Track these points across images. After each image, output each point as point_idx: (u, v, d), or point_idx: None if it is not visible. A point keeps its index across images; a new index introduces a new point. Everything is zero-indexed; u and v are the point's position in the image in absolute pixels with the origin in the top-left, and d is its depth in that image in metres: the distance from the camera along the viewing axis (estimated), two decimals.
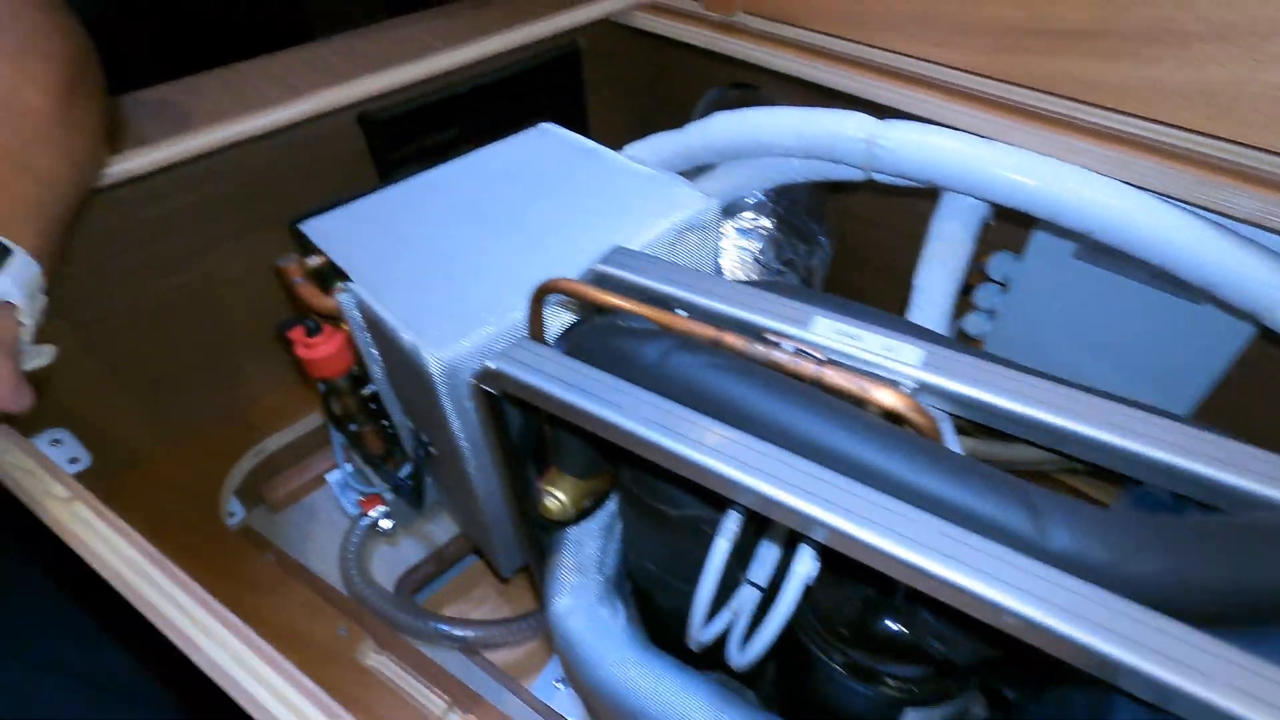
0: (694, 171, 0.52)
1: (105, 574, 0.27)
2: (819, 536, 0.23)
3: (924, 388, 0.26)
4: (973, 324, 0.55)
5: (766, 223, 0.52)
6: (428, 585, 0.52)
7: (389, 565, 0.52)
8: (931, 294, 0.45)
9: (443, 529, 0.54)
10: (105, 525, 0.29)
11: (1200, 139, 0.34)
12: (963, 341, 0.55)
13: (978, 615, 0.20)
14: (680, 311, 0.29)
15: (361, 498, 0.52)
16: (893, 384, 0.26)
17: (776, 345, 0.26)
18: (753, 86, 0.59)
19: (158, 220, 0.44)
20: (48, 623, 0.33)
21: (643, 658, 0.34)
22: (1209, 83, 0.32)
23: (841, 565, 0.23)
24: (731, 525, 0.26)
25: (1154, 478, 0.24)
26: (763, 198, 0.53)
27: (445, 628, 0.45)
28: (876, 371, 0.27)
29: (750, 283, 0.36)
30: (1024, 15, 0.35)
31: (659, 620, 0.38)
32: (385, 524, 0.50)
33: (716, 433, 0.24)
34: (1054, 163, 0.37)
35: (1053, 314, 0.49)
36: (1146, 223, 0.35)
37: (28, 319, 0.27)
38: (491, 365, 0.28)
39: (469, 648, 0.47)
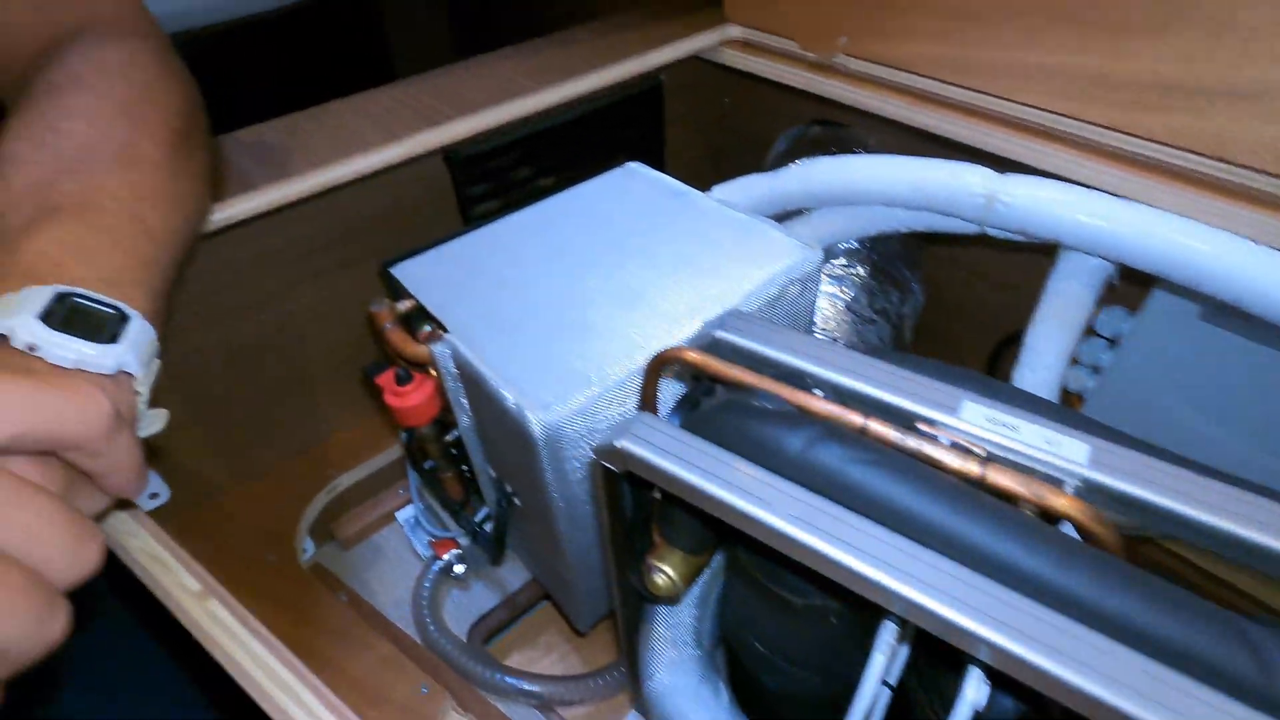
0: (783, 215, 0.50)
1: (189, 626, 0.26)
2: (985, 657, 0.21)
3: (1090, 488, 0.24)
4: (1073, 379, 0.52)
5: (860, 270, 0.50)
6: (501, 631, 0.50)
7: (460, 609, 0.51)
8: (1044, 355, 0.42)
9: (513, 573, 0.53)
10: (184, 571, 0.28)
11: None
12: (1063, 398, 0.53)
13: None
14: (816, 391, 0.27)
15: (433, 539, 0.51)
16: (1058, 483, 0.24)
17: (932, 438, 0.25)
18: (841, 125, 0.57)
19: (246, 261, 0.43)
20: (143, 667, 0.33)
21: None
22: None
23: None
24: (888, 638, 0.24)
25: None
26: (856, 244, 0.51)
27: (524, 685, 0.44)
28: (1040, 469, 0.25)
29: (871, 351, 0.34)
30: (1177, 71, 0.33)
31: (757, 696, 0.36)
32: (459, 568, 0.49)
33: (874, 536, 0.22)
34: (1198, 226, 0.34)
35: (1167, 376, 0.46)
36: None
37: (143, 388, 0.26)
38: (617, 444, 0.27)
39: (545, 705, 0.45)
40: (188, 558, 0.27)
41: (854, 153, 0.56)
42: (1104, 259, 0.39)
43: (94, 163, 0.29)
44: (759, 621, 0.32)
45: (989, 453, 0.25)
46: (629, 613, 0.36)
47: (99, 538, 0.22)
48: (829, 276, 0.50)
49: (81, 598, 0.21)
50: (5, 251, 0.25)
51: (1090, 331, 0.50)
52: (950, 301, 0.58)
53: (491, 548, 0.46)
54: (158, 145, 0.31)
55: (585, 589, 0.42)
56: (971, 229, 0.41)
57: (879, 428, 0.25)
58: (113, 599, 0.44)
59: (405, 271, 0.41)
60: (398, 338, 0.40)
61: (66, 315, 0.24)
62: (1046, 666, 0.19)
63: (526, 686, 0.44)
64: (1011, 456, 0.25)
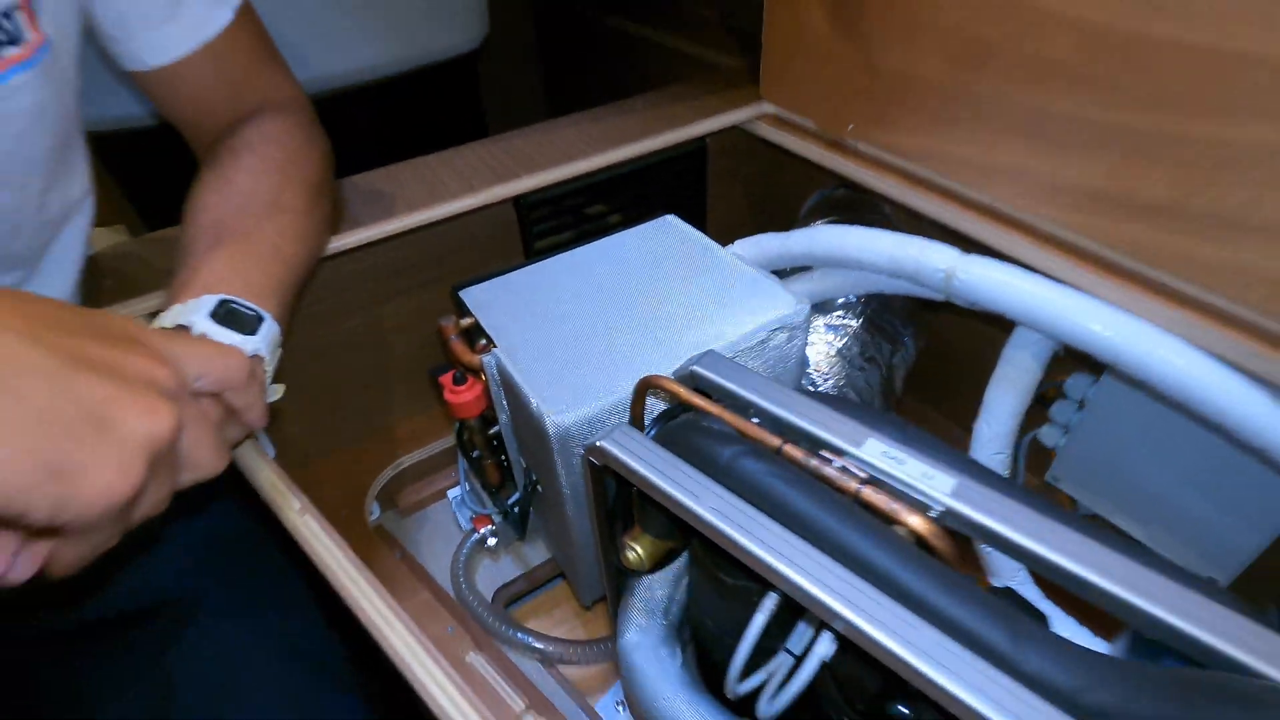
0: (794, 270, 0.58)
1: (290, 530, 0.36)
2: (838, 626, 0.28)
3: (950, 514, 0.31)
4: (1048, 436, 0.57)
5: (853, 322, 0.57)
6: (519, 600, 0.60)
7: (489, 576, 0.61)
8: (998, 413, 0.49)
9: (536, 553, 0.63)
10: (290, 495, 0.38)
11: (1263, 317, 0.37)
12: (1036, 448, 0.58)
13: (957, 713, 0.25)
14: (755, 418, 0.36)
15: (474, 515, 0.61)
16: (924, 507, 0.31)
17: (829, 461, 0.32)
18: (860, 189, 0.65)
19: (348, 278, 0.55)
20: (273, 585, 0.44)
21: (691, 698, 0.40)
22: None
23: (861, 651, 0.29)
24: (769, 604, 0.32)
25: (1143, 627, 0.28)
26: (854, 299, 0.58)
27: (531, 640, 0.53)
28: (912, 494, 0.32)
29: (822, 396, 0.41)
30: (1108, 185, 0.40)
31: (711, 668, 0.44)
32: (491, 541, 0.59)
33: (767, 528, 0.31)
34: (1123, 315, 0.40)
35: (1120, 440, 0.51)
36: (1205, 384, 0.38)
37: (269, 367, 0.38)
38: (600, 444, 0.36)
39: (548, 660, 0.54)
40: (292, 485, 0.38)
41: (871, 216, 0.63)
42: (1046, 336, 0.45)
43: (252, 208, 0.40)
44: (706, 598, 0.40)
45: (870, 476, 0.32)
46: (612, 581, 0.45)
47: (229, 455, 0.33)
48: (826, 325, 0.57)
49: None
50: (191, 269, 0.37)
51: (1061, 394, 0.55)
52: (948, 355, 0.64)
53: (518, 525, 0.56)
54: (297, 195, 0.43)
55: (588, 567, 0.51)
56: (939, 297, 0.48)
57: (791, 449, 0.33)
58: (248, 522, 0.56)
59: (470, 295, 0.52)
60: (459, 347, 0.51)
61: (225, 315, 0.35)
62: (868, 631, 0.27)
63: (533, 642, 0.53)
64: (893, 482, 0.32)
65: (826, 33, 0.53)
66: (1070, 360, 0.50)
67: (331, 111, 0.51)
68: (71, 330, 0.23)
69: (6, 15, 0.31)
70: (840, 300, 0.58)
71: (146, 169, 0.44)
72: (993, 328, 0.51)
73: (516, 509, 0.55)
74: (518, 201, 0.59)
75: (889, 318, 0.59)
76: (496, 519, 0.59)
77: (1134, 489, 0.51)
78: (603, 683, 0.55)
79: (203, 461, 0.29)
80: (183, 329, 0.33)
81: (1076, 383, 0.53)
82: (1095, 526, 0.31)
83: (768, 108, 0.63)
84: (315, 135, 0.47)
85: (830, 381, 0.56)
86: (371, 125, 0.63)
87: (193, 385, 0.30)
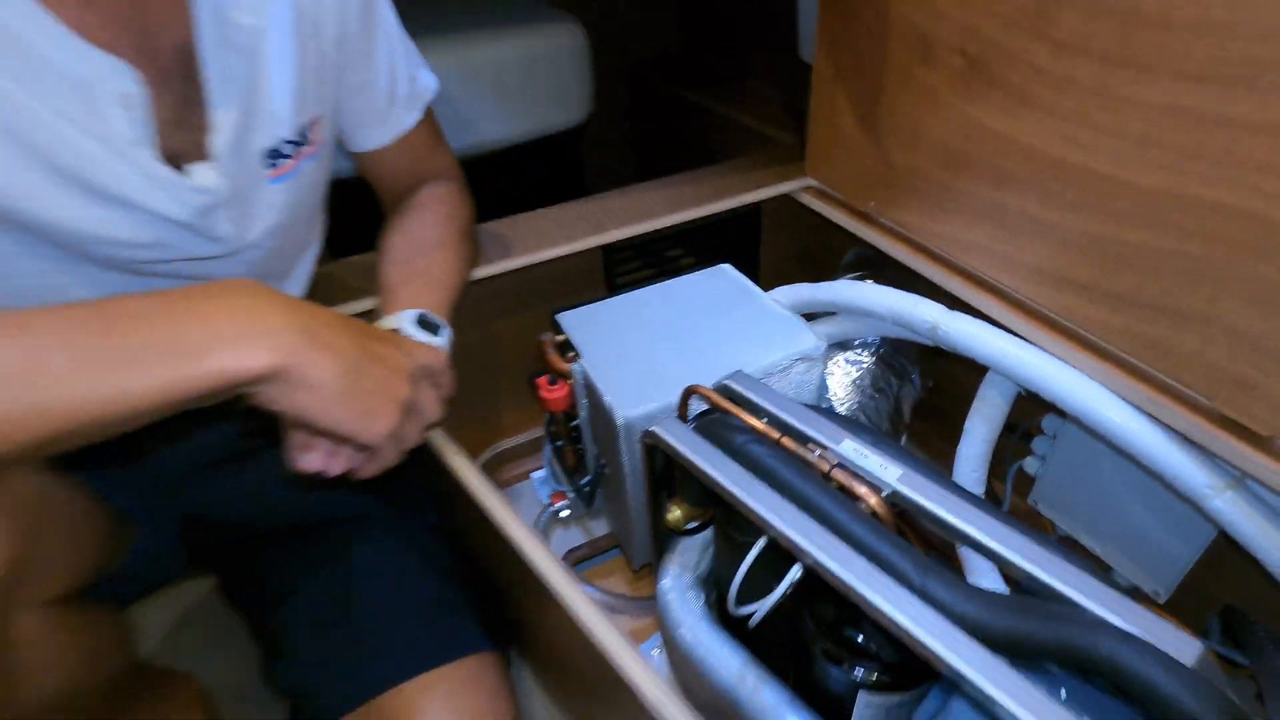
0: (822, 313, 0.72)
1: (453, 473, 0.52)
2: (804, 559, 0.42)
3: (895, 494, 0.44)
4: (1030, 465, 0.68)
5: (868, 359, 0.70)
6: (583, 562, 0.75)
7: (561, 541, 0.76)
8: (973, 439, 0.61)
9: (599, 526, 0.78)
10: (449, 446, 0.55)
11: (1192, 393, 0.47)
12: (1021, 476, 0.69)
13: (876, 619, 0.38)
14: (765, 419, 0.50)
15: (553, 492, 0.77)
16: (878, 488, 0.44)
17: (813, 451, 0.46)
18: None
19: (473, 299, 0.72)
20: (417, 510, 0.60)
21: (708, 628, 0.54)
22: (1212, 366, 0.45)
23: (824, 585, 0.42)
24: (760, 544, 0.46)
25: (1004, 568, 0.40)
26: (870, 340, 0.71)
27: (595, 592, 0.68)
28: (869, 477, 0.45)
29: (828, 411, 0.55)
30: (1049, 266, 0.52)
31: (724, 612, 0.58)
32: (564, 513, 0.74)
33: (762, 492, 0.44)
34: (1068, 369, 0.52)
35: (1082, 469, 0.61)
36: (1128, 429, 0.49)
37: None
38: (654, 430, 0.51)
39: (609, 609, 0.69)
40: (453, 443, 0.55)
41: (892, 274, 0.76)
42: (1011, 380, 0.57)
43: (428, 249, 0.58)
44: (722, 556, 0.54)
45: (840, 462, 0.45)
46: (657, 541, 0.59)
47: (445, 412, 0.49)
48: (845, 359, 0.71)
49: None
50: (394, 291, 0.54)
51: (1040, 431, 0.66)
52: (953, 391, 0.76)
53: (587, 500, 0.71)
54: (457, 241, 0.60)
55: (639, 534, 0.66)
56: (930, 343, 0.61)
57: (786, 441, 0.47)
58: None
59: (564, 318, 0.68)
60: (553, 357, 0.67)
61: (422, 323, 0.52)
62: (823, 561, 0.40)
63: (596, 594, 0.68)
64: (856, 468, 0.45)
65: (856, 132, 0.67)
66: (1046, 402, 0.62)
67: (470, 171, 0.69)
68: (366, 336, 0.40)
69: (308, 128, 0.49)
70: (858, 340, 0.71)
71: (339, 208, 0.62)
72: (979, 374, 0.63)
73: (587, 488, 0.71)
74: (605, 249, 0.75)
75: (899, 358, 0.71)
76: (570, 495, 0.74)
77: (1093, 511, 0.62)
78: (645, 635, 0.69)
79: (431, 415, 0.45)
80: (394, 332, 0.50)
81: (1051, 421, 0.65)
82: (1004, 517, 0.44)
83: (811, 182, 0.77)
84: (466, 196, 0.64)
85: (845, 405, 0.69)
86: (498, 184, 0.81)
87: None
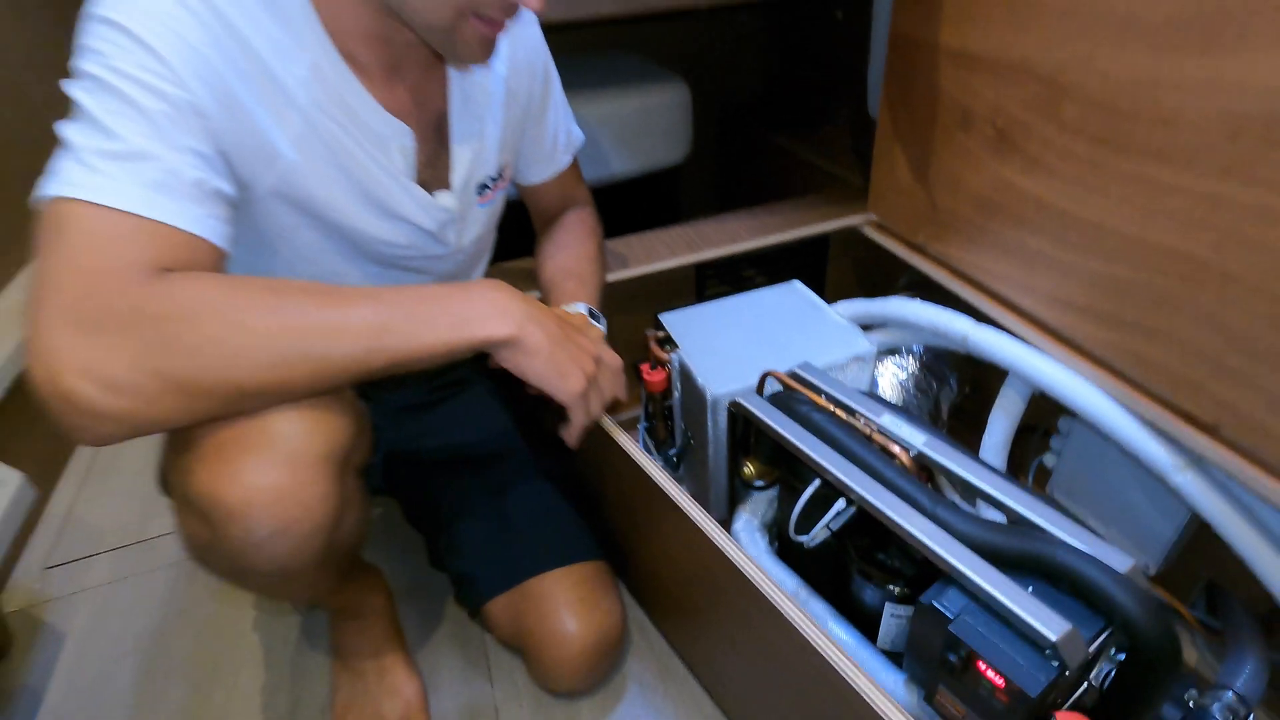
0: (876, 325, 0.87)
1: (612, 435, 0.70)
2: (850, 495, 0.57)
3: (919, 453, 0.60)
4: (1049, 460, 0.81)
5: (913, 363, 0.85)
6: None
7: None
8: (994, 431, 0.75)
9: None
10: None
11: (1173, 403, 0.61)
12: (1041, 469, 0.82)
13: (902, 536, 0.53)
14: (824, 395, 0.66)
15: None
16: (907, 447, 0.60)
17: (859, 419, 0.62)
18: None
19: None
20: (553, 449, 0.78)
21: (770, 557, 0.70)
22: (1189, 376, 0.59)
23: (865, 518, 0.57)
24: (814, 484, 0.61)
25: (994, 504, 0.54)
26: (916, 348, 0.86)
27: None
28: (900, 439, 0.60)
29: (866, 392, 0.70)
30: (1086, 301, 0.65)
31: (783, 549, 0.73)
32: None
33: (818, 446, 0.60)
34: (1067, 372, 0.66)
35: (1088, 463, 0.74)
36: (1112, 419, 0.63)
37: None
38: (739, 400, 0.67)
39: None
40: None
41: (938, 294, 0.91)
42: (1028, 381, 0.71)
43: (580, 258, 0.76)
44: (785, 504, 0.70)
45: (880, 428, 0.61)
46: (731, 494, 0.75)
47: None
48: (894, 362, 0.86)
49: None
50: (560, 290, 0.72)
51: (1057, 430, 0.80)
52: (985, 396, 0.89)
53: (674, 467, 0.88)
54: (597, 251, 0.78)
55: (717, 493, 0.82)
56: (962, 351, 0.75)
57: (839, 412, 0.63)
58: None
59: (665, 318, 0.85)
60: (655, 348, 0.84)
61: (591, 314, 0.70)
62: (863, 494, 0.56)
63: None
64: (890, 433, 0.61)
65: (909, 179, 0.83)
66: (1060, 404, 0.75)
67: (596, 198, 0.88)
68: (566, 322, 0.56)
69: (503, 169, 0.69)
70: (905, 348, 0.86)
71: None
72: (1002, 379, 0.76)
73: (675, 457, 0.88)
74: (698, 265, 0.93)
75: (939, 364, 0.86)
76: (659, 462, 0.91)
77: (1097, 497, 0.75)
78: None
79: (609, 389, 0.62)
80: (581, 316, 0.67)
81: (1065, 422, 0.78)
82: (1000, 473, 0.58)
83: (872, 217, 0.93)
84: (598, 218, 0.83)
85: (893, 398, 0.84)
86: (616, 209, 0.99)
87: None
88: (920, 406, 0.84)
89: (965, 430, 0.96)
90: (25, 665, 0.80)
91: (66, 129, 0.42)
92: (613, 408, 0.64)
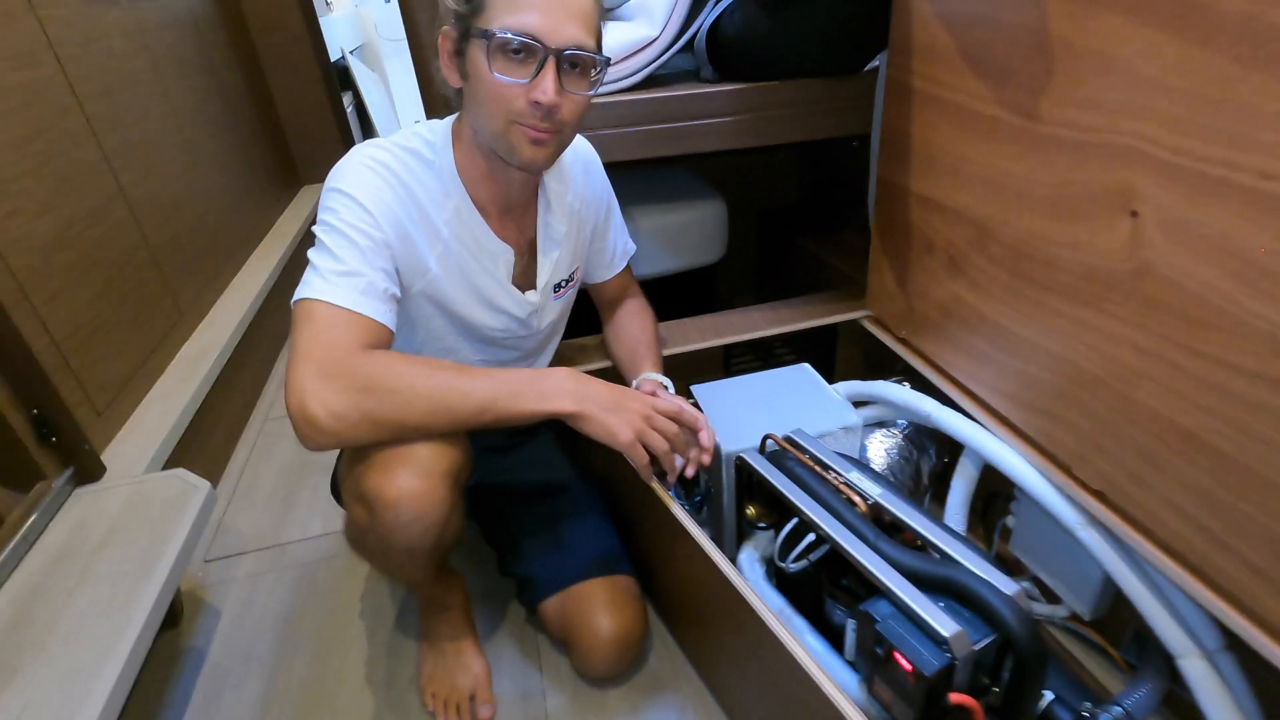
0: (868, 403, 1.06)
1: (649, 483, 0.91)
2: (819, 532, 0.76)
3: (875, 503, 0.78)
4: (1011, 521, 0.97)
5: (899, 434, 1.03)
6: None
7: None
8: (955, 492, 0.92)
9: None
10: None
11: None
12: (1005, 529, 0.98)
13: (859, 568, 0.71)
14: (808, 455, 0.85)
15: None
16: (865, 496, 0.78)
17: (835, 475, 0.81)
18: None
19: None
20: (598, 485, 1.00)
21: (765, 583, 0.88)
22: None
23: (836, 554, 0.76)
24: (792, 521, 0.80)
25: (922, 540, 0.72)
26: (901, 422, 1.04)
27: None
28: (862, 491, 0.79)
29: (842, 454, 0.89)
30: (1016, 392, 0.85)
31: (780, 578, 0.91)
32: None
33: (799, 494, 0.80)
34: (1004, 446, 0.84)
35: (1037, 525, 0.90)
36: (1032, 483, 0.80)
37: None
38: (743, 456, 0.87)
39: None
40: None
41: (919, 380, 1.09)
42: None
43: (645, 339, 0.99)
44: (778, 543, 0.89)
45: (847, 482, 0.80)
46: (736, 533, 0.95)
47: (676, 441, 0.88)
48: (881, 434, 1.04)
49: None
50: (636, 365, 0.95)
51: (1014, 497, 0.96)
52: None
53: (697, 509, 1.07)
54: (654, 328, 1.01)
55: (728, 532, 1.01)
56: (930, 427, 0.94)
57: (819, 469, 0.82)
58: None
59: (696, 389, 1.07)
60: None
61: (660, 378, 0.93)
62: (830, 533, 0.74)
63: None
64: (855, 486, 0.79)
65: (894, 286, 1.03)
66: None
67: (646, 290, 1.11)
68: (619, 391, 0.77)
69: (573, 273, 0.94)
70: (893, 421, 1.05)
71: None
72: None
73: (699, 500, 1.07)
74: (726, 347, 1.15)
75: (921, 437, 1.04)
76: (685, 506, 1.11)
77: (1045, 554, 0.90)
78: None
79: (667, 434, 0.83)
80: (639, 388, 0.90)
81: (1020, 490, 0.94)
82: (933, 518, 0.76)
83: (869, 312, 1.13)
84: (650, 307, 1.07)
85: (878, 465, 1.02)
86: (661, 299, 1.23)
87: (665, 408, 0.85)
88: (904, 471, 1.02)
89: (944, 491, 1.13)
90: (191, 631, 1.05)
91: (313, 255, 0.69)
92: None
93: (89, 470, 1.05)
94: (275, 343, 1.90)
